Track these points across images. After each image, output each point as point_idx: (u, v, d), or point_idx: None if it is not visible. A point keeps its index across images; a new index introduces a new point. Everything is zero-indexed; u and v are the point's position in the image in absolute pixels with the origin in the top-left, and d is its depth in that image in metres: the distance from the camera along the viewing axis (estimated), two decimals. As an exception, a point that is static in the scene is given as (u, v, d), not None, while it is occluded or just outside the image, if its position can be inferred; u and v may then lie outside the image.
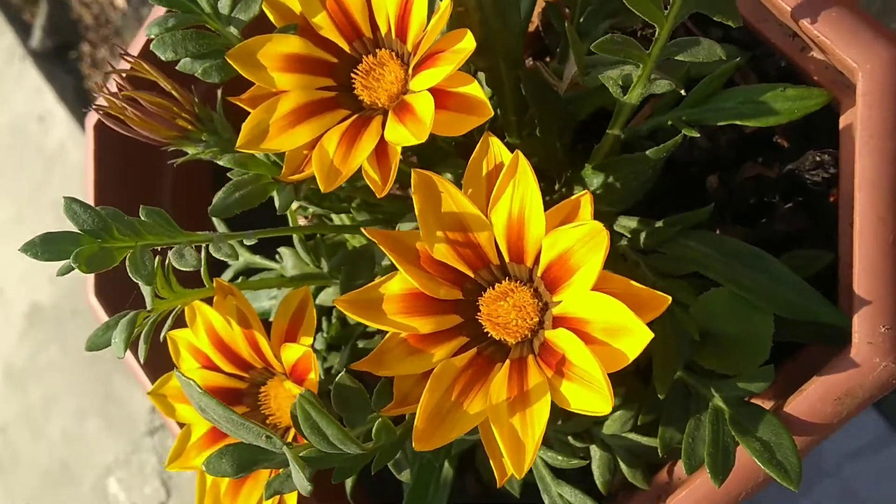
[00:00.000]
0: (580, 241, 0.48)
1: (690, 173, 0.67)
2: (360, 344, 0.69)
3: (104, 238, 0.52)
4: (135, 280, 0.51)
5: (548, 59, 0.66)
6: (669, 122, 0.57)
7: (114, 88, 0.57)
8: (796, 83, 0.56)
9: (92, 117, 0.87)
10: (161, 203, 0.85)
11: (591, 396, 0.47)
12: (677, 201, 0.64)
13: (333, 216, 0.70)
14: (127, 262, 0.51)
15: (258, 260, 0.74)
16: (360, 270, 0.59)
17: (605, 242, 0.47)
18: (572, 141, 0.61)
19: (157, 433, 1.50)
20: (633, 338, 0.46)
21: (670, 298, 0.47)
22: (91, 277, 0.87)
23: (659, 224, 0.58)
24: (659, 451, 0.57)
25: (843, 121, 0.56)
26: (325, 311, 0.72)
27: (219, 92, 0.61)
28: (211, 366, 0.65)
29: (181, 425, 0.69)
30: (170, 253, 0.54)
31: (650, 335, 0.45)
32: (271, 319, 0.76)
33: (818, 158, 0.59)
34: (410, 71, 0.55)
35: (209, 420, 0.51)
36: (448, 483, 0.68)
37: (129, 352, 0.80)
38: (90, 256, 0.50)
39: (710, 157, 0.66)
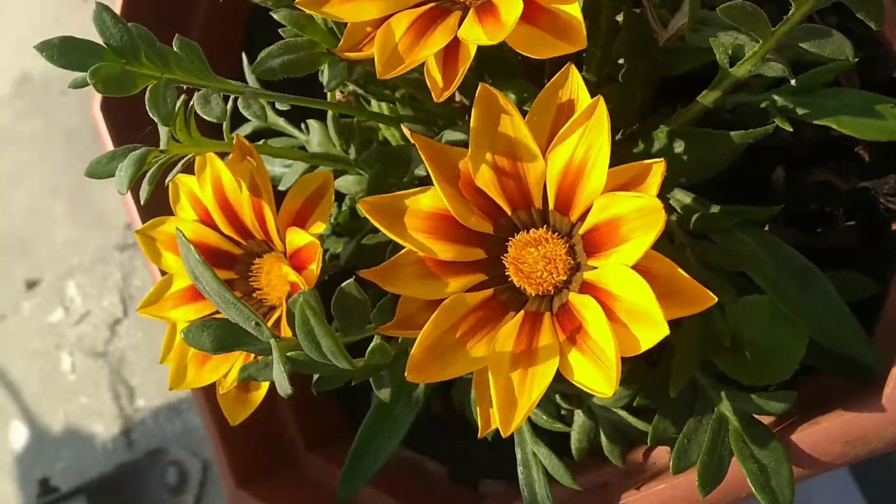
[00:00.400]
0: (636, 212, 0.44)
1: (758, 157, 0.62)
2: (369, 239, 0.65)
3: (129, 60, 0.47)
4: (151, 115, 0.46)
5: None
6: (763, 104, 0.52)
7: None
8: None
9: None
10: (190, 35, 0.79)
11: (597, 374, 0.44)
12: (735, 183, 0.60)
13: (373, 101, 0.65)
14: (147, 94, 0.46)
15: (281, 123, 0.69)
16: (392, 171, 0.55)
17: (661, 224, 0.43)
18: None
19: (128, 251, 1.47)
20: (651, 329, 0.43)
21: (716, 299, 0.44)
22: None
23: (716, 209, 0.54)
24: (648, 439, 0.55)
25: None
26: (337, 197, 0.68)
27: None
28: (209, 222, 0.61)
29: (163, 273, 0.66)
30: (195, 96, 0.49)
31: (666, 331, 0.42)
32: (280, 187, 0.73)
33: (901, 185, 0.55)
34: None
35: (202, 291, 0.48)
36: (419, 403, 0.65)
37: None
38: (109, 76, 0.45)
39: (784, 147, 0.61)
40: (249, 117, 0.49)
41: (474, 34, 0.46)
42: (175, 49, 0.48)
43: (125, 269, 1.43)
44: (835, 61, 0.50)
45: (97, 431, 1.41)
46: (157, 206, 0.61)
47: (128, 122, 0.79)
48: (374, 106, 0.64)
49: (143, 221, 0.79)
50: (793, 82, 0.46)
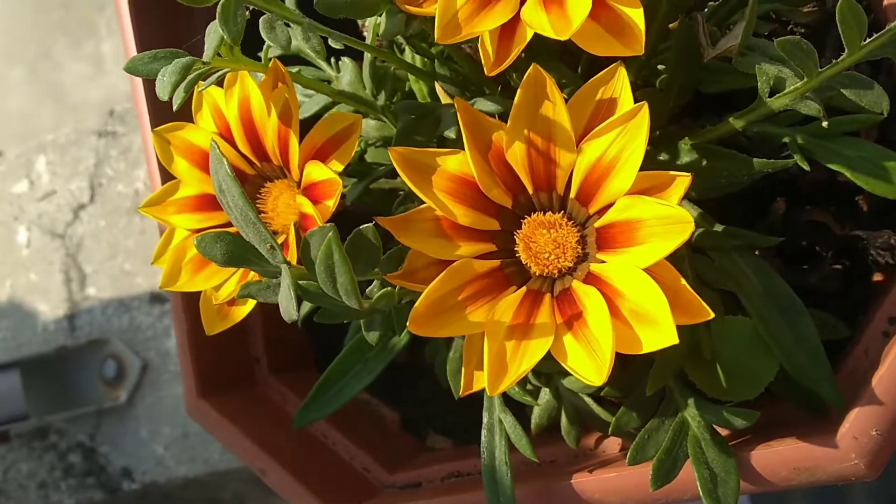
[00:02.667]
0: (659, 219, 0.46)
1: (763, 184, 0.64)
2: (376, 184, 0.66)
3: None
4: (221, 30, 0.47)
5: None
6: (785, 139, 0.54)
7: None
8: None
9: None
10: None
11: (588, 364, 0.46)
12: (735, 201, 0.62)
13: (408, 50, 0.65)
14: (219, 9, 0.46)
15: (310, 54, 0.69)
16: (422, 128, 0.56)
17: (686, 235, 0.45)
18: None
19: (105, 138, 1.45)
20: (658, 334, 0.45)
21: (712, 315, 0.46)
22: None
23: (719, 228, 0.56)
24: (609, 429, 0.57)
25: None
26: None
27: None
28: (228, 137, 0.62)
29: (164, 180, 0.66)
30: (261, 20, 0.49)
31: (675, 340, 0.44)
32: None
33: (893, 242, 0.58)
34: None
35: (223, 205, 0.49)
36: (393, 352, 0.67)
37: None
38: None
39: (790, 180, 0.64)
40: (308, 50, 0.49)
41: (538, 20, 0.47)
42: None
43: (100, 155, 1.41)
44: (864, 112, 0.52)
45: (42, 310, 1.40)
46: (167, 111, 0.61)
47: (155, 16, 0.79)
48: (408, 56, 0.65)
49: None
50: (825, 124, 0.48)
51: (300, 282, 0.46)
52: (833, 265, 0.63)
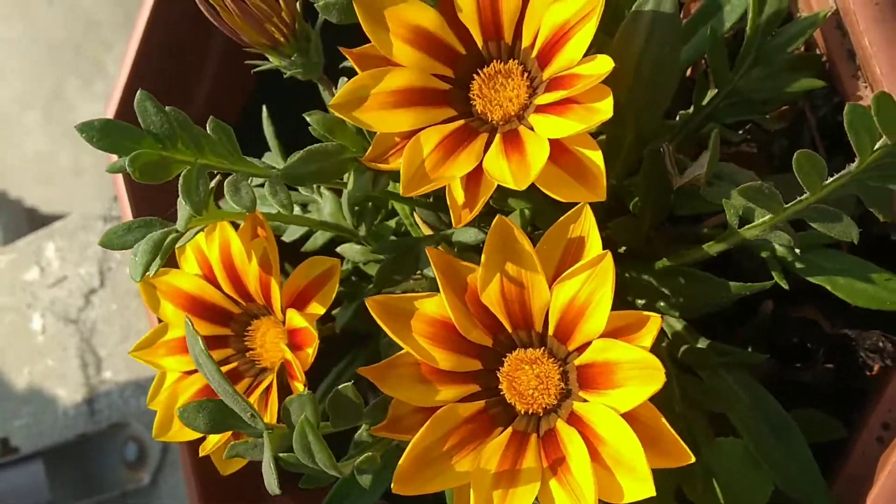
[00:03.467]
0: (632, 363, 0.46)
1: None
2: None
3: (166, 146, 0.48)
4: (185, 202, 0.47)
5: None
6: (763, 254, 0.54)
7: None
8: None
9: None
10: (193, 102, 0.79)
11: None
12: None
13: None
14: (181, 181, 0.47)
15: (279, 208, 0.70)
16: (403, 267, 0.56)
17: (660, 384, 0.45)
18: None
19: (111, 222, 1.47)
20: (637, 483, 0.45)
21: (693, 459, 0.46)
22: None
23: (703, 343, 0.56)
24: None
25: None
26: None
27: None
28: (212, 279, 0.63)
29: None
30: (226, 182, 0.50)
31: (653, 492, 0.44)
32: (283, 238, 0.74)
33: (881, 344, 0.57)
34: (535, 101, 0.51)
35: (203, 376, 0.49)
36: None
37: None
38: (146, 164, 0.46)
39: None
40: (275, 204, 0.50)
41: (499, 171, 0.47)
42: (209, 131, 0.49)
43: (106, 241, 1.42)
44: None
45: (60, 396, 1.41)
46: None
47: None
48: (390, 185, 0.65)
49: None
50: (797, 251, 0.48)
51: (282, 455, 0.46)
52: (826, 363, 0.62)
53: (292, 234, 0.70)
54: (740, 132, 0.62)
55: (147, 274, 0.64)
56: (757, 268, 0.58)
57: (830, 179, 0.44)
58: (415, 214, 0.62)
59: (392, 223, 0.70)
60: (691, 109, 0.58)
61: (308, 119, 0.51)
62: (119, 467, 1.36)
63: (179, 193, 0.47)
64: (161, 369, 0.64)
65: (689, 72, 0.66)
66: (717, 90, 0.56)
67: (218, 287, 0.62)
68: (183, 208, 0.50)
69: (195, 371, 0.63)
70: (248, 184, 0.50)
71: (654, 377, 0.45)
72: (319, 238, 0.69)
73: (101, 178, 1.45)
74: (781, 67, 0.54)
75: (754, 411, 0.54)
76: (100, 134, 0.46)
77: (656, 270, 0.56)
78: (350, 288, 0.69)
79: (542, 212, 0.56)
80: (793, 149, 0.51)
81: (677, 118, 0.59)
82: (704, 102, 0.56)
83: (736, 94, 0.55)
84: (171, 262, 0.64)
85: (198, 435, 0.61)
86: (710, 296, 0.53)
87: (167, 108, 0.48)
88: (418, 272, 0.63)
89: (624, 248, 0.60)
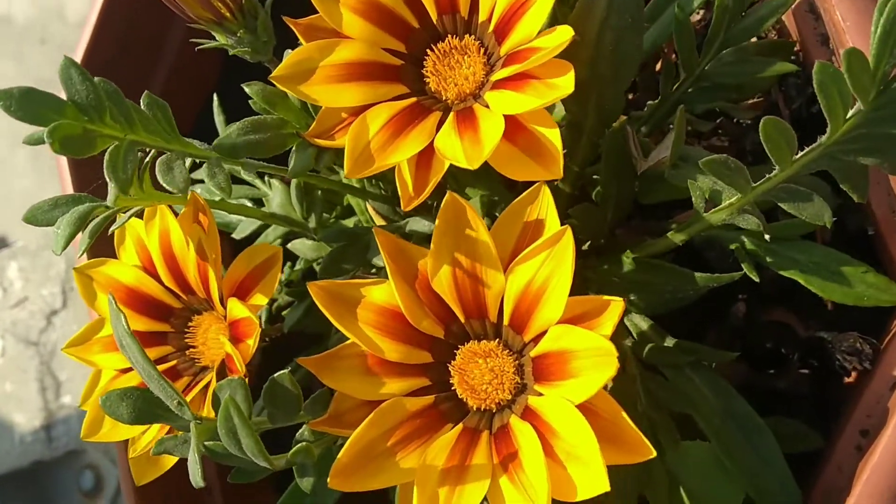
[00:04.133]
0: (588, 350, 0.43)
1: (720, 286, 0.61)
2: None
3: (92, 118, 0.44)
4: (110, 180, 0.44)
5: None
6: (733, 246, 0.51)
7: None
8: (875, 259, 0.50)
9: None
10: (152, 86, 0.76)
11: None
12: (691, 304, 0.58)
13: (339, 169, 0.63)
14: (106, 157, 0.44)
15: (242, 174, 0.67)
16: (351, 256, 0.53)
17: (613, 370, 0.42)
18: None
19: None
20: (590, 478, 0.41)
21: (655, 454, 0.42)
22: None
23: (670, 342, 0.53)
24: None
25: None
26: (290, 257, 0.65)
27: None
28: (152, 271, 0.59)
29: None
30: (158, 161, 0.47)
31: (607, 487, 0.41)
32: (234, 235, 0.70)
33: (859, 346, 0.54)
34: (491, 78, 0.48)
35: (127, 359, 0.45)
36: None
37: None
38: (67, 137, 0.43)
39: (747, 280, 0.60)
40: (214, 189, 0.46)
41: (452, 149, 0.44)
42: (143, 106, 0.46)
43: (70, 261, 1.39)
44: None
45: (18, 422, 1.36)
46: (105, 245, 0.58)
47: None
48: (342, 175, 0.62)
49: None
50: (767, 237, 0.45)
51: (208, 443, 0.43)
52: (801, 369, 0.59)
53: (243, 230, 0.67)
54: (711, 127, 0.60)
55: (84, 264, 0.61)
56: (728, 268, 0.55)
57: (801, 153, 0.41)
58: (368, 206, 0.58)
59: (350, 222, 0.67)
60: (658, 100, 0.56)
61: (247, 90, 0.48)
62: (75, 495, 1.31)
63: (105, 168, 0.44)
64: (96, 367, 0.60)
65: (658, 66, 0.64)
66: (685, 75, 0.54)
67: (158, 279, 0.58)
68: (111, 185, 0.47)
69: (131, 369, 0.59)
70: (182, 164, 0.47)
71: (608, 363, 0.42)
72: (271, 234, 0.65)
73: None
74: (753, 52, 0.52)
75: (722, 414, 0.50)
76: (19, 102, 0.43)
77: (620, 264, 0.53)
78: (301, 288, 0.65)
79: (501, 200, 0.53)
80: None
81: (644, 109, 0.57)
82: (673, 89, 0.54)
83: (705, 78, 0.53)
84: (111, 253, 0.60)
85: (129, 435, 0.57)
86: (677, 287, 0.50)
87: (96, 78, 0.45)
88: (373, 269, 0.59)
89: (588, 244, 0.57)
